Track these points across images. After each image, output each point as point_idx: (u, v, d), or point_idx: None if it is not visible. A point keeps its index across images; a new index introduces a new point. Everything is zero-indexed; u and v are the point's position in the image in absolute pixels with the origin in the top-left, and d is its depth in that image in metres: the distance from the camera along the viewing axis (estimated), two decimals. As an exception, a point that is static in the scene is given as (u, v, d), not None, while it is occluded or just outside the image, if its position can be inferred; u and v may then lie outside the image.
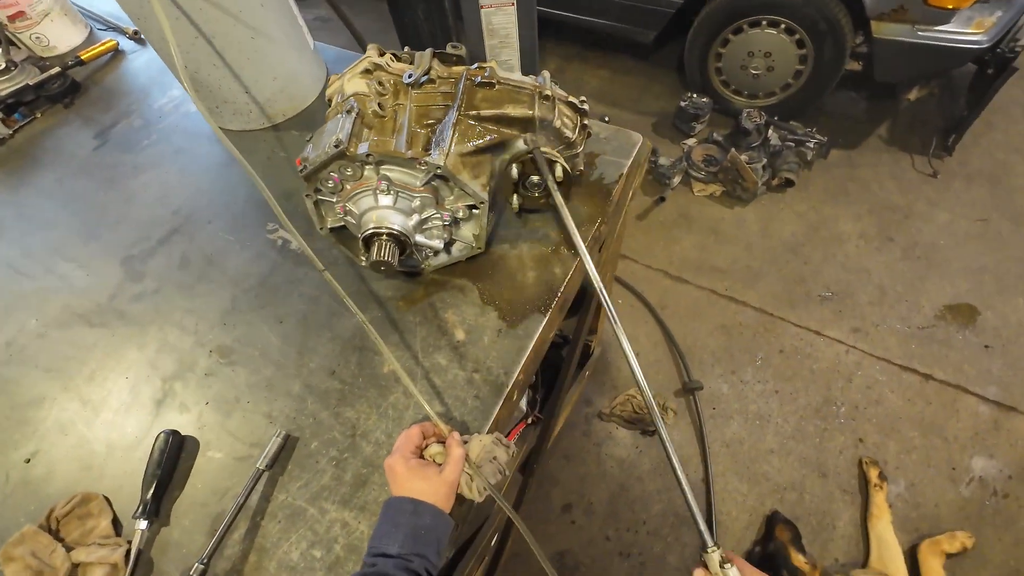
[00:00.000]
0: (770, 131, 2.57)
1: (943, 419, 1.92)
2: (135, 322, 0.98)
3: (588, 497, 1.86)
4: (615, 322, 0.74)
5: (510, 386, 0.84)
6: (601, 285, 0.74)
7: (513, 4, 1.83)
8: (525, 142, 0.80)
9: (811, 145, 2.54)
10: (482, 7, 1.84)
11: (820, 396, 2.01)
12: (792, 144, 2.56)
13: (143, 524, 0.74)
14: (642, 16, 2.69)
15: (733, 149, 2.52)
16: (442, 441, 0.74)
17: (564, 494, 1.87)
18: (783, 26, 2.41)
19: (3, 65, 1.32)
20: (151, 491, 0.76)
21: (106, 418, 0.87)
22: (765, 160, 2.53)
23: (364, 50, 1.32)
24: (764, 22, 2.43)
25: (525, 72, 0.90)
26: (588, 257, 0.79)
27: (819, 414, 1.97)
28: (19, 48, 1.43)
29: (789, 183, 2.56)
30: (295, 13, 1.19)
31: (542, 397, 1.44)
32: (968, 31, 2.13)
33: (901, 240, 2.41)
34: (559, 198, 0.81)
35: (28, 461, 0.84)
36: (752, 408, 2.01)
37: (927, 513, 1.75)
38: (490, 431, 0.81)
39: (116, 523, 0.77)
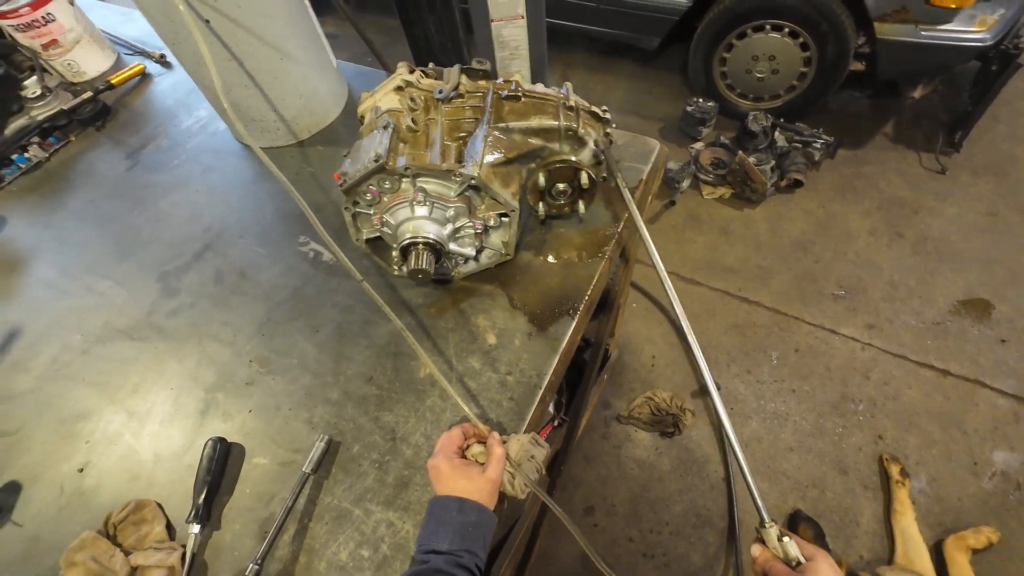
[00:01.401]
0: (776, 133, 2.60)
1: (962, 413, 1.93)
2: (173, 336, 1.01)
3: (610, 499, 1.87)
4: (682, 318, 0.76)
5: (543, 388, 0.86)
6: (666, 276, 0.78)
7: (523, 17, 1.87)
8: (596, 143, 0.83)
9: (818, 145, 2.56)
10: (492, 20, 1.89)
11: (837, 393, 2.02)
12: (799, 145, 2.59)
13: (196, 528, 0.77)
14: (646, 23, 2.73)
15: (740, 151, 2.54)
16: (482, 441, 0.77)
17: (586, 496, 1.88)
18: (786, 29, 2.45)
19: (39, 92, 1.37)
20: (202, 496, 0.79)
21: (152, 429, 0.90)
22: (773, 161, 2.56)
23: (383, 67, 1.37)
24: (767, 26, 2.47)
25: (534, 81, 0.94)
26: (654, 250, 0.82)
27: (837, 411, 1.98)
28: (52, 75, 1.48)
29: (797, 183, 2.59)
30: (319, 33, 1.23)
31: (566, 399, 1.46)
32: (971, 29, 2.16)
33: (911, 235, 2.43)
34: (631, 202, 0.84)
35: (81, 471, 0.87)
36: (770, 407, 2.02)
37: (950, 508, 1.75)
38: (525, 431, 0.83)
39: (169, 528, 0.80)
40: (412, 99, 0.85)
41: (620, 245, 1.07)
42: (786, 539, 0.60)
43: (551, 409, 1.41)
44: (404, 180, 0.78)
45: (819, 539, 1.65)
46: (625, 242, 1.12)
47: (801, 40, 2.46)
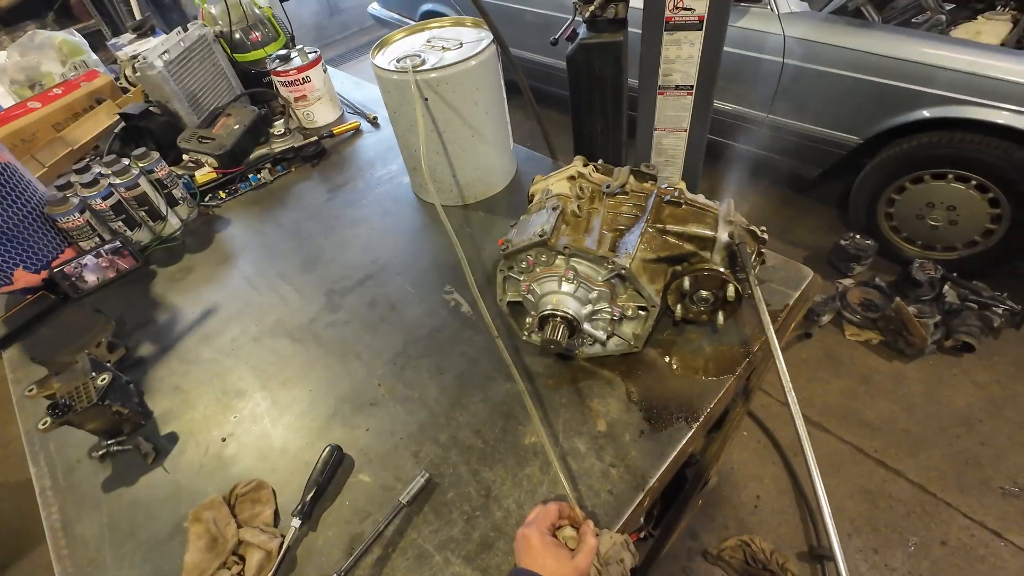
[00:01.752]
0: (947, 287, 2.34)
1: None
2: (325, 345, 1.16)
3: (678, 647, 1.65)
4: (812, 464, 0.71)
5: (646, 490, 0.83)
6: (798, 411, 0.73)
7: (685, 131, 1.97)
8: (731, 236, 0.85)
9: (999, 311, 2.25)
10: (656, 130, 2.02)
11: (995, 616, 1.62)
12: (975, 306, 2.29)
13: (297, 523, 0.84)
14: (810, 153, 2.70)
15: (899, 298, 2.32)
16: (575, 526, 0.75)
17: (651, 634, 1.67)
18: (973, 182, 2.26)
19: (283, 131, 1.74)
20: (311, 495, 0.86)
21: (287, 420, 1.02)
22: (939, 317, 2.28)
23: (551, 155, 1.52)
24: (950, 175, 2.30)
25: None
26: (788, 380, 0.79)
27: (993, 639, 1.58)
28: (293, 120, 1.87)
29: (968, 347, 2.26)
30: (507, 120, 1.42)
31: (658, 513, 1.36)
32: None
33: (1123, 445, 1.96)
34: (768, 324, 0.83)
35: (224, 440, 1.00)
36: (898, 603, 1.67)
37: None
38: (619, 531, 0.80)
39: (276, 515, 0.88)
40: (581, 188, 0.94)
41: (752, 366, 1.03)
42: None
43: (641, 519, 1.31)
44: (560, 257, 0.85)
45: None
46: (756, 365, 1.07)
47: (991, 195, 2.24)
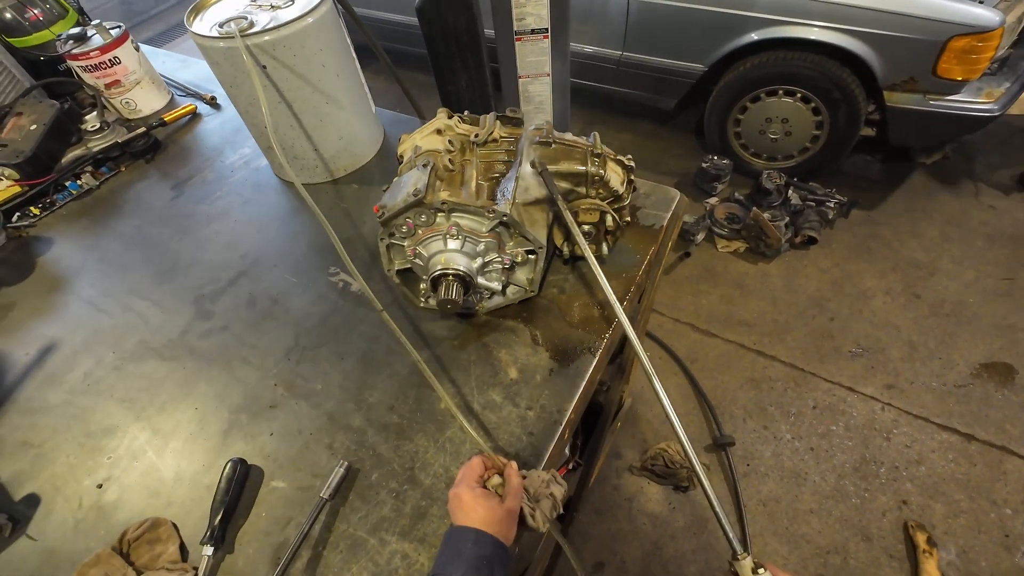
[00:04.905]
0: (790, 191, 2.66)
1: (990, 482, 1.85)
2: (204, 357, 1.04)
3: (620, 555, 1.80)
4: (652, 374, 0.77)
5: (563, 424, 0.87)
6: (633, 333, 0.78)
7: (548, 75, 1.99)
8: (532, 164, 0.87)
9: (832, 204, 2.62)
10: (520, 77, 2.01)
11: (858, 454, 1.96)
12: (813, 204, 2.64)
13: (209, 550, 0.77)
14: (664, 85, 2.88)
15: (755, 207, 2.60)
16: (501, 473, 0.77)
17: (596, 551, 1.81)
18: (799, 95, 2.56)
19: (98, 126, 1.48)
20: (219, 518, 0.79)
21: (175, 446, 0.91)
22: (787, 218, 2.61)
23: (418, 115, 1.46)
24: (780, 91, 2.59)
25: None
26: (620, 307, 0.84)
27: (858, 473, 1.92)
28: (110, 111, 1.60)
29: (812, 240, 2.62)
30: (363, 83, 1.33)
31: (581, 443, 1.44)
32: (978, 101, 2.25)
33: (928, 297, 2.42)
34: (589, 254, 0.86)
35: (100, 487, 0.88)
36: (788, 465, 1.96)
37: (983, 583, 1.66)
38: (544, 468, 0.83)
39: (183, 549, 0.80)
40: (450, 141, 0.91)
41: (640, 288, 1.10)
42: (761, 570, 0.58)
43: (566, 451, 1.39)
44: (439, 215, 0.83)
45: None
46: (644, 286, 1.15)
47: (813, 105, 2.56)
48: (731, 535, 0.62)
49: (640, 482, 1.97)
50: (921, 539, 1.71)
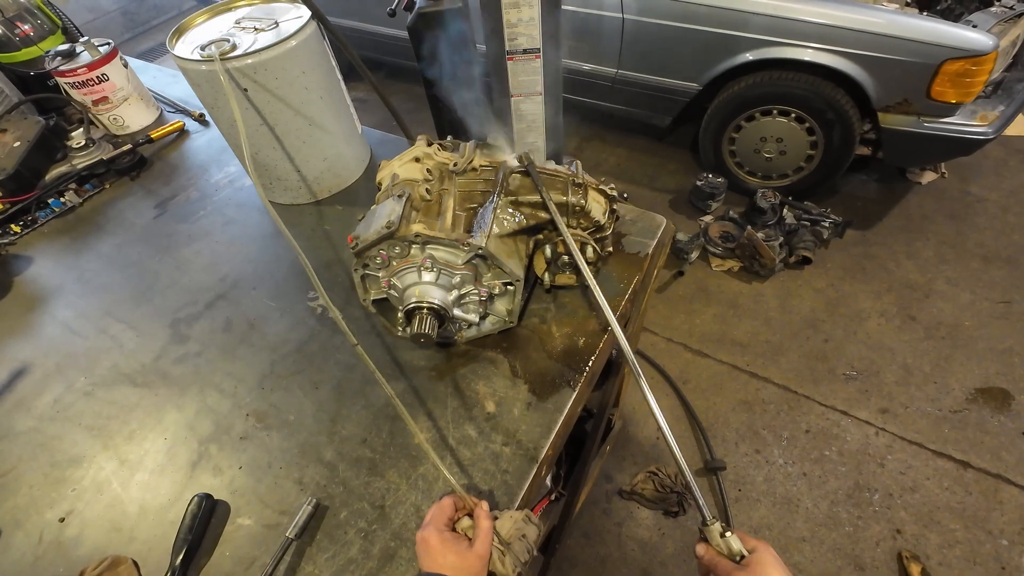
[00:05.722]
0: (785, 210, 2.65)
1: (985, 511, 1.82)
2: (177, 383, 1.02)
3: (608, 583, 1.76)
4: (652, 402, 0.75)
5: (540, 460, 0.84)
6: (635, 360, 0.76)
7: (541, 94, 1.98)
8: (519, 160, 0.86)
9: (826, 224, 2.61)
10: (512, 96, 2.01)
11: (851, 481, 1.93)
12: (807, 223, 2.63)
13: (169, 592, 0.74)
14: (659, 103, 2.88)
15: (749, 227, 2.59)
16: (471, 514, 0.74)
17: (583, 578, 1.78)
18: (793, 115, 2.56)
19: (83, 142, 1.47)
20: (180, 557, 0.76)
21: (141, 479, 0.89)
22: (781, 238, 2.59)
23: (406, 135, 1.45)
24: (775, 111, 2.58)
25: (549, 152, 0.98)
26: (621, 332, 0.82)
27: (851, 500, 1.88)
28: (97, 127, 1.59)
29: (806, 260, 2.61)
30: (348, 103, 1.32)
31: (565, 472, 1.41)
32: (973, 123, 2.24)
33: (923, 319, 2.40)
34: (590, 276, 0.86)
35: (62, 520, 0.85)
36: (780, 491, 1.93)
37: (978, 617, 1.62)
38: (519, 507, 0.80)
39: (142, 589, 0.77)
40: (428, 170, 0.89)
41: (625, 317, 1.08)
42: (729, 534, 0.62)
43: (548, 482, 1.36)
44: (414, 247, 0.81)
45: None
46: (629, 314, 1.13)
47: (807, 125, 2.56)
48: (702, 503, 0.67)
49: (630, 506, 1.94)
50: (915, 570, 1.68)
